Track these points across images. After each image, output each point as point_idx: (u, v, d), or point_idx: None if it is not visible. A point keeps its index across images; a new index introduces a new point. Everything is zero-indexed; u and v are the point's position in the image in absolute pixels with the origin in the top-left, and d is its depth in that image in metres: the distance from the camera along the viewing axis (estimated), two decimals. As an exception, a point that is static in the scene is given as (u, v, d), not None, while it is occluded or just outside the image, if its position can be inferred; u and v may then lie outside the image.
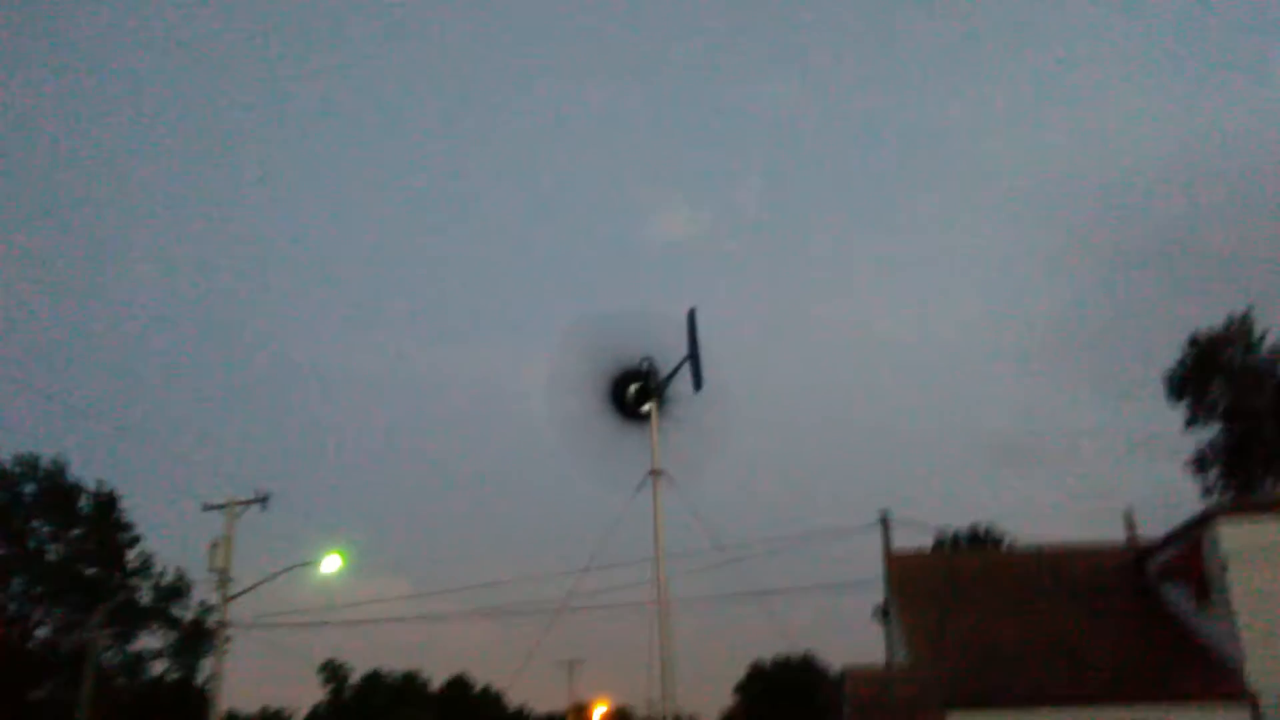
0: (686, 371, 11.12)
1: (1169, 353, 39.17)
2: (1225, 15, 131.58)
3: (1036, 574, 21.26)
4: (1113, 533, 22.72)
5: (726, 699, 74.89)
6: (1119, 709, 16.63)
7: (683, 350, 11.49)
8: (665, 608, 10.05)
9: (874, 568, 22.27)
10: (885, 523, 30.30)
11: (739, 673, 74.53)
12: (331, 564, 31.89)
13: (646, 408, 11.21)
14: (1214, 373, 36.76)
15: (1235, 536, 17.15)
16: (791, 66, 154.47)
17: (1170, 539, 19.23)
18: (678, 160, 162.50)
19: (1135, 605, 19.75)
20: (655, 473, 10.94)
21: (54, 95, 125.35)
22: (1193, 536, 18.17)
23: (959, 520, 46.31)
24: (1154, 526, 22.33)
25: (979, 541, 40.66)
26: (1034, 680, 17.47)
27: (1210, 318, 37.32)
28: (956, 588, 21.04)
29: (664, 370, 11.35)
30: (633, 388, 11.36)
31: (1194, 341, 36.39)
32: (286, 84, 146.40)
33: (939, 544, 38.12)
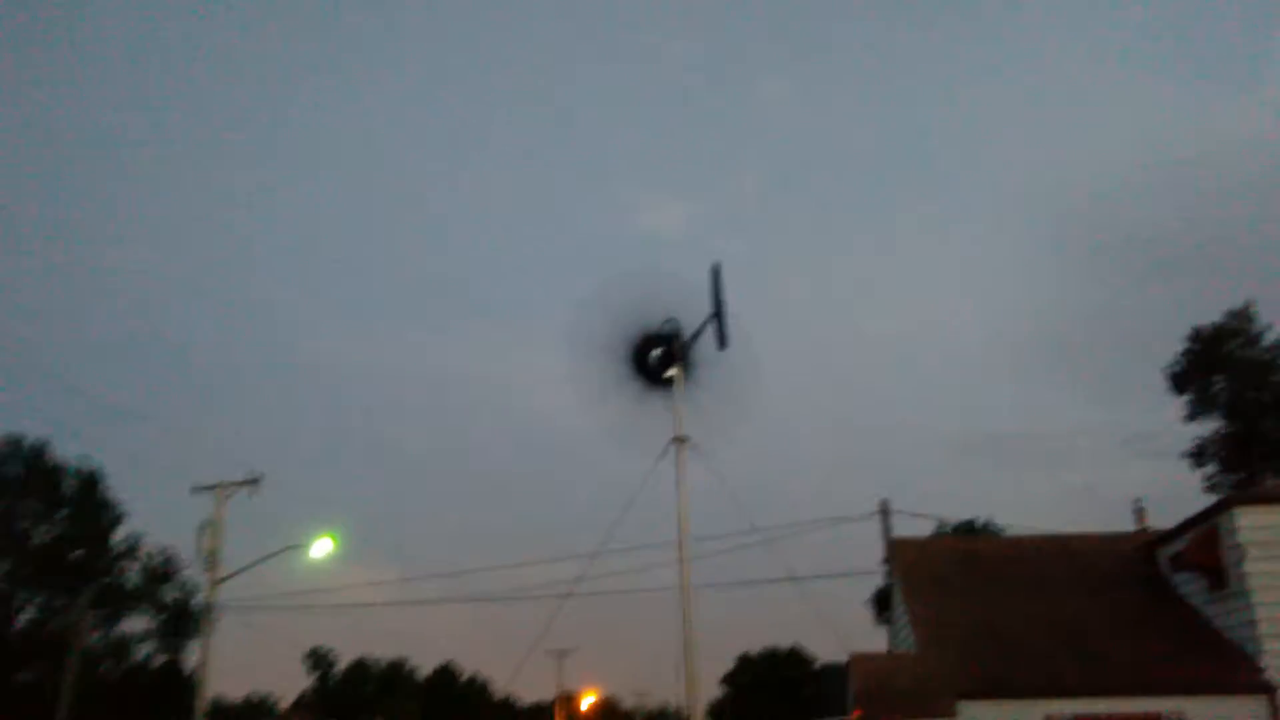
0: (710, 332, 10.60)
1: (1160, 351, 39.21)
2: (1217, 17, 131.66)
3: (1045, 562, 20.91)
4: (1105, 528, 22.49)
5: (714, 690, 74.61)
6: (1134, 700, 16.29)
7: (702, 314, 11.00)
8: (689, 587, 9.59)
9: (865, 557, 21.93)
10: (885, 511, 30.08)
11: (726, 664, 74.24)
12: (322, 547, 31.40)
13: (670, 372, 10.71)
14: (1216, 367, 36.58)
15: (1252, 525, 16.82)
16: (788, 67, 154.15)
17: (1183, 528, 18.88)
18: (674, 158, 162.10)
19: (1147, 595, 19.41)
20: (679, 440, 10.46)
21: (51, 76, 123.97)
22: (1207, 525, 17.83)
23: (954, 515, 46.02)
24: (1150, 521, 22.14)
25: (977, 533, 40.35)
26: (1046, 670, 17.11)
27: (1203, 315, 37.16)
28: (964, 574, 20.68)
29: (687, 332, 10.83)
30: (655, 351, 10.86)
31: (1196, 335, 36.19)
32: (284, 79, 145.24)
33: (939, 534, 37.80)
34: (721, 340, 10.49)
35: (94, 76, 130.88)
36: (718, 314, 10.56)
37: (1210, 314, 36.56)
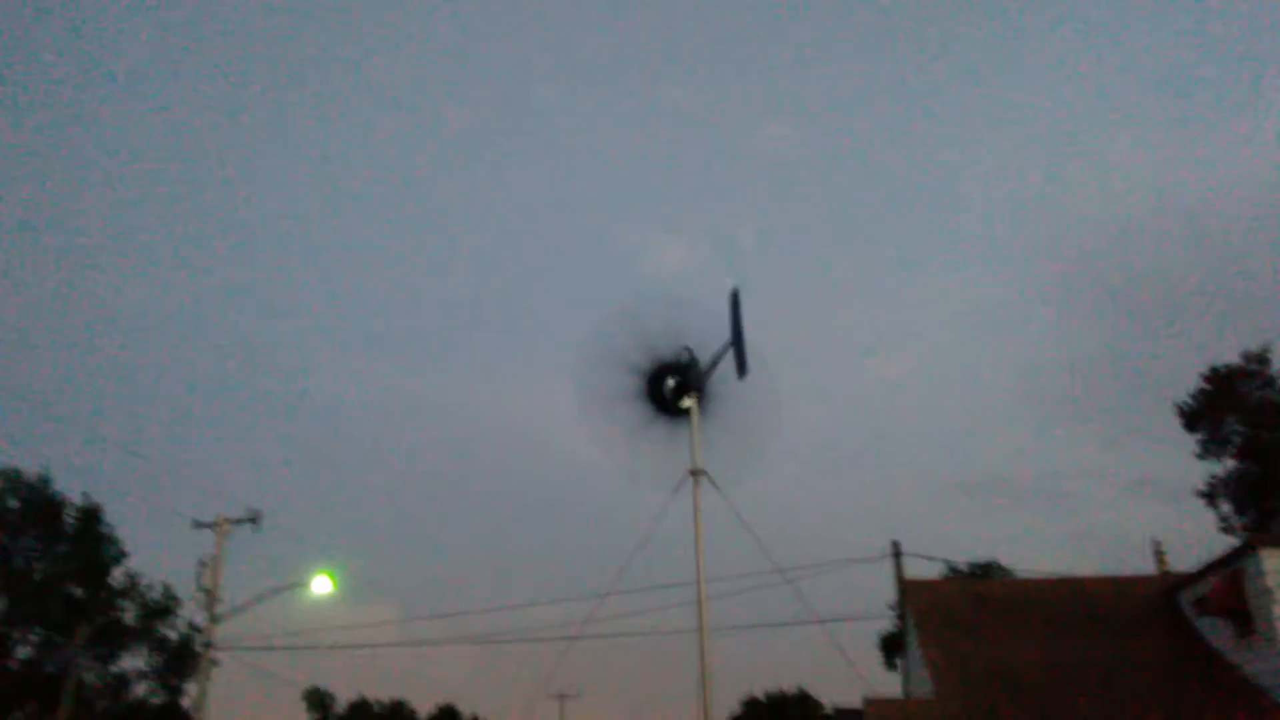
0: (729, 361, 10.25)
1: (1169, 394, 39.04)
2: (1217, 51, 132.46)
3: (1062, 605, 20.40)
4: (1113, 571, 22.06)
5: (720, 733, 73.47)
6: (1159, 748, 15.75)
7: (711, 348, 10.66)
8: (706, 627, 9.19)
9: (871, 600, 21.45)
10: (897, 554, 29.58)
11: (728, 707, 73.22)
12: (322, 585, 30.92)
13: (686, 403, 10.33)
14: (1230, 407, 36.28)
15: (1279, 568, 16.32)
16: (788, 109, 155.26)
17: (1206, 570, 18.40)
18: (675, 198, 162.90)
19: (1170, 638, 18.88)
20: (696, 473, 10.08)
21: (43, 99, 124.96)
22: (1232, 568, 17.34)
23: (961, 557, 45.54)
24: (1149, 564, 21.73)
25: (987, 575, 39.80)
26: (1067, 717, 16.56)
27: (1212, 358, 36.92)
28: (979, 617, 20.17)
29: (704, 360, 10.47)
30: (670, 381, 10.50)
31: (1212, 374, 35.92)
32: (282, 106, 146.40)
33: (949, 575, 37.27)
34: (741, 368, 10.12)
35: (84, 98, 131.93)
36: (736, 341, 10.20)
37: (1219, 356, 36.33)
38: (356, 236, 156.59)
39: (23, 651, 36.74)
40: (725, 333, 10.47)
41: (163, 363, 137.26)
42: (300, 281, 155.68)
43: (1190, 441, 37.39)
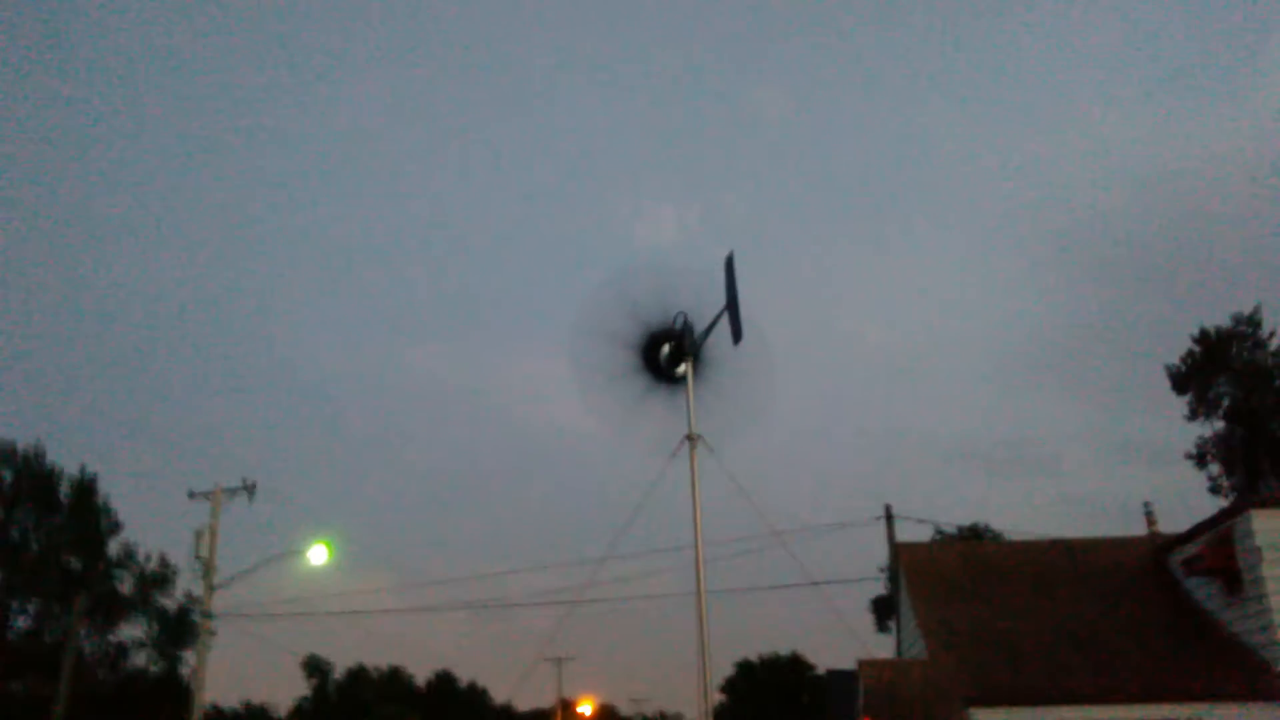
0: (724, 326, 10.27)
1: (1157, 358, 39.27)
2: (1203, 32, 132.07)
3: (1053, 566, 20.60)
4: (1103, 533, 22.23)
5: (713, 696, 74.12)
6: (1148, 706, 15.94)
7: (707, 314, 10.68)
8: (704, 590, 9.30)
9: (862, 564, 21.65)
10: (890, 517, 29.82)
11: (724, 670, 73.83)
12: (318, 554, 31.11)
13: (681, 369, 10.37)
14: (1219, 369, 36.47)
15: (1269, 528, 16.46)
16: (781, 75, 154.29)
17: (1196, 531, 18.59)
18: (666, 165, 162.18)
19: (1160, 599, 19.11)
20: (691, 438, 10.14)
21: (46, 81, 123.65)
22: (1222, 528, 17.52)
23: (953, 521, 45.90)
24: (1139, 528, 21.90)
25: (978, 538, 40.09)
26: (1058, 676, 16.79)
27: (1200, 322, 37.03)
28: (972, 579, 20.38)
29: (703, 327, 10.49)
30: (666, 347, 10.53)
31: (1202, 337, 36.05)
32: (283, 89, 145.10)
33: (940, 539, 37.58)
34: (737, 333, 10.15)
35: (86, 78, 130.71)
36: (732, 306, 10.23)
37: (1207, 320, 36.41)
38: (349, 212, 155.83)
39: (21, 623, 36.93)
40: (718, 298, 10.51)
41: (158, 336, 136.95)
42: (295, 256, 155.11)
43: (1180, 405, 37.67)
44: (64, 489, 38.25)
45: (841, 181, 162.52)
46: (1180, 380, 37.30)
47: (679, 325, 10.49)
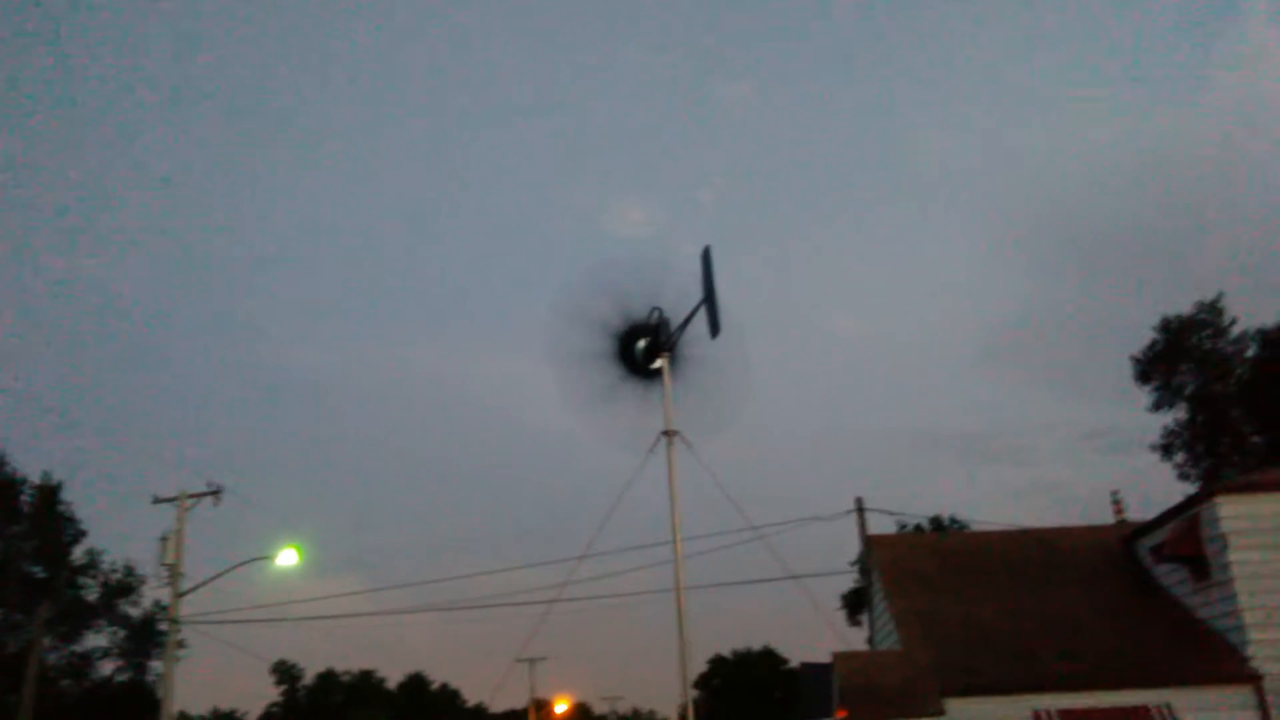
0: (700, 320, 10.20)
1: (1120, 347, 39.73)
2: (1166, 24, 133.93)
3: (1024, 556, 20.76)
4: (1071, 521, 22.46)
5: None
6: (1121, 693, 16.15)
7: (683, 308, 10.62)
8: (683, 587, 9.24)
9: (833, 557, 21.73)
10: (861, 509, 29.91)
11: (697, 665, 73.94)
12: (288, 558, 30.78)
13: (658, 363, 10.30)
14: (1182, 357, 36.84)
15: (1234, 514, 16.71)
16: (748, 69, 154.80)
17: (1164, 518, 18.80)
18: (635, 159, 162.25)
19: (1129, 587, 19.32)
20: (669, 434, 10.08)
21: (24, 84, 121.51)
22: (1189, 515, 17.73)
23: (921, 512, 46.27)
24: (1107, 516, 22.15)
25: (946, 529, 40.37)
26: (1032, 665, 16.93)
27: (1163, 311, 37.45)
28: (944, 570, 20.49)
29: (678, 321, 10.42)
30: (641, 342, 10.45)
31: (1165, 326, 36.40)
32: (262, 91, 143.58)
33: (909, 531, 37.75)
34: (714, 327, 10.08)
35: (65, 79, 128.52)
36: (709, 300, 10.16)
37: (1171, 309, 36.82)
38: (319, 207, 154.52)
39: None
40: (691, 292, 10.45)
41: (122, 338, 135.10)
42: (266, 253, 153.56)
43: (1145, 395, 38.03)
44: (25, 496, 37.60)
45: (811, 175, 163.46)
46: (1144, 370, 37.66)
47: (654, 320, 10.42)
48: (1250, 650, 16.09)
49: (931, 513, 43.75)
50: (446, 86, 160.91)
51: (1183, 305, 36.82)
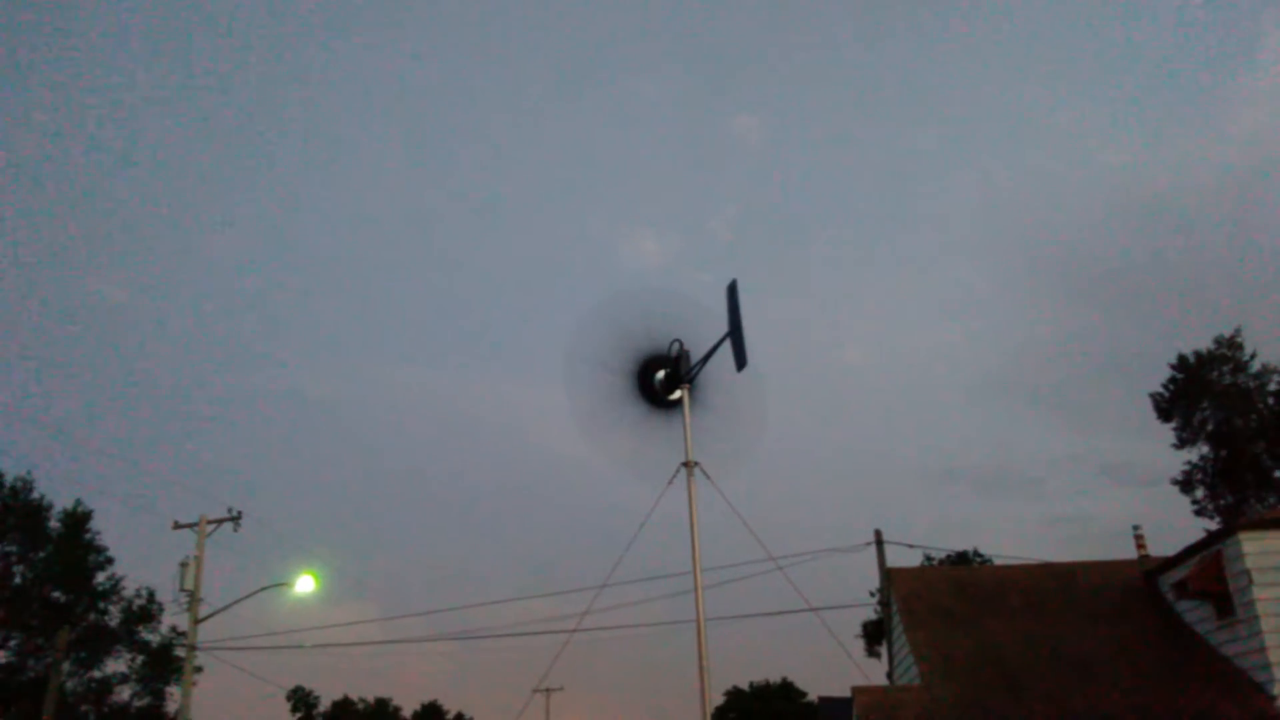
0: (725, 353, 10.26)
1: (1136, 381, 39.58)
2: (1183, 55, 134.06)
3: (1044, 590, 20.66)
4: (1087, 556, 22.33)
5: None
6: (1143, 730, 16.00)
7: (701, 339, 10.72)
8: (703, 618, 9.30)
9: (851, 589, 21.68)
10: (880, 542, 29.84)
11: (715, 697, 73.37)
12: (305, 585, 30.93)
13: (677, 394, 10.38)
14: (1202, 393, 36.67)
15: (1258, 550, 16.60)
16: (759, 101, 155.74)
17: (1186, 554, 18.70)
18: (648, 192, 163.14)
19: (1151, 623, 19.18)
20: (688, 465, 10.16)
21: (29, 106, 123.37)
22: (1211, 551, 17.63)
23: (938, 546, 46.05)
24: (1128, 550, 22.01)
25: (967, 563, 40.14)
26: (1052, 701, 16.82)
27: (1179, 345, 37.38)
28: (963, 604, 20.40)
29: (696, 353, 10.51)
30: (660, 373, 10.53)
31: (1182, 363, 36.29)
32: (258, 114, 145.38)
33: (931, 564, 37.56)
34: (740, 360, 10.15)
35: (65, 104, 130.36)
36: (735, 333, 10.22)
37: (1190, 343, 36.74)
38: (331, 233, 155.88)
39: (2, 657, 36.45)
40: (708, 324, 10.55)
41: (143, 365, 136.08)
42: (278, 279, 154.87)
43: (1162, 428, 37.83)
44: (54, 522, 37.96)
45: (822, 206, 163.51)
46: (1164, 408, 37.48)
47: (674, 352, 10.51)
48: (1276, 689, 15.94)
49: (947, 544, 43.58)
50: (454, 119, 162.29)
51: (1198, 337, 36.78)
